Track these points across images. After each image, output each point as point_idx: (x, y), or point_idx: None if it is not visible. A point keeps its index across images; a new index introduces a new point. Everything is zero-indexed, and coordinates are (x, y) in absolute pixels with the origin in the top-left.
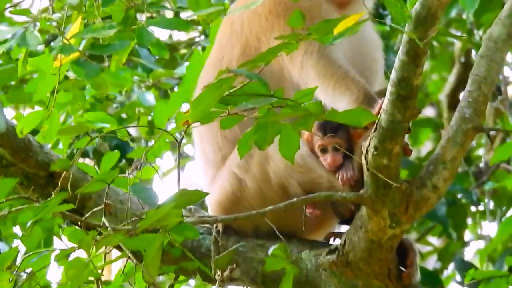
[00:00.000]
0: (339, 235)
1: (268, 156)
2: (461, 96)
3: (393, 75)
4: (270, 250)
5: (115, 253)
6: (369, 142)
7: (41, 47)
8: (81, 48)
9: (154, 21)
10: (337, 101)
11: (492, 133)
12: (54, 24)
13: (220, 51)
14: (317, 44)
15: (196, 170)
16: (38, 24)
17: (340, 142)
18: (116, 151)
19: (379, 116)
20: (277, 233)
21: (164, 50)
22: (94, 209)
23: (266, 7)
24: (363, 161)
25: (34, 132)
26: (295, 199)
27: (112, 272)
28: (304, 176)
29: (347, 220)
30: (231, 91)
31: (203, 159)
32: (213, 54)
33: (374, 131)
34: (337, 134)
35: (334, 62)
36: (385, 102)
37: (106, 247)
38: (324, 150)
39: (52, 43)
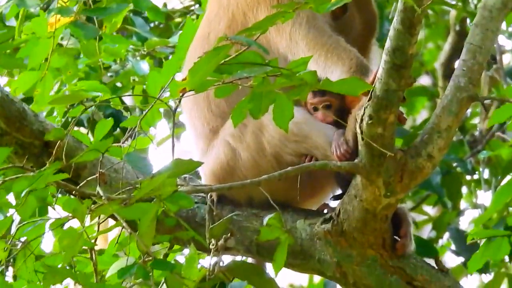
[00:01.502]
0: (333, 209)
1: (262, 126)
2: (456, 65)
3: (387, 44)
4: (265, 220)
5: (111, 221)
6: (364, 111)
7: (36, 8)
8: (74, 10)
9: None
10: (329, 71)
11: (487, 101)
12: None
13: (208, 25)
14: (305, 15)
15: (189, 142)
16: None
17: (331, 100)
18: (110, 119)
19: (373, 85)
20: (272, 202)
21: (160, 15)
22: (89, 178)
23: None
24: (358, 131)
25: (29, 101)
26: (290, 168)
27: (108, 240)
28: (299, 145)
29: (342, 195)
30: (226, 60)
31: (193, 133)
32: (200, 28)
33: (369, 100)
34: (327, 93)
35: (324, 32)
36: (379, 71)
37: (100, 216)
38: (315, 109)
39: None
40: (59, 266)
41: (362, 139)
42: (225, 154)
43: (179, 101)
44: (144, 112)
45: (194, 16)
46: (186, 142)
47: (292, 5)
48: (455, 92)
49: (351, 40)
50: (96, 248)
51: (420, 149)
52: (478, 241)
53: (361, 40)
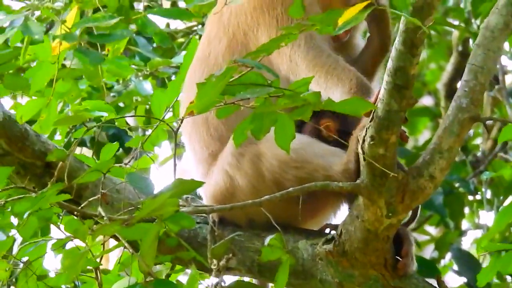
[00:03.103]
0: (335, 226)
1: (260, 154)
2: (458, 85)
3: (389, 64)
4: (267, 240)
5: (113, 241)
6: (365, 131)
7: (41, 35)
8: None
9: (154, 10)
10: (330, 92)
11: (489, 122)
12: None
13: (208, 45)
14: (303, 36)
15: (188, 165)
16: (36, 12)
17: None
18: (115, 142)
19: (375, 105)
20: (273, 222)
21: (166, 40)
22: (91, 199)
23: (251, 3)
24: (360, 151)
25: (31, 122)
26: (291, 188)
27: (110, 260)
28: (299, 170)
29: None
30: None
31: (193, 157)
32: (200, 48)
33: (371, 121)
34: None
35: (322, 52)
36: (381, 92)
37: (104, 236)
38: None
39: (49, 32)
40: (63, 286)
41: (364, 159)
42: (224, 182)
43: (181, 122)
44: (148, 133)
45: (197, 37)
46: (185, 162)
47: (298, 26)
48: (457, 113)
49: (353, 57)
50: (101, 268)
51: (421, 169)
52: (481, 261)
53: (373, 59)
